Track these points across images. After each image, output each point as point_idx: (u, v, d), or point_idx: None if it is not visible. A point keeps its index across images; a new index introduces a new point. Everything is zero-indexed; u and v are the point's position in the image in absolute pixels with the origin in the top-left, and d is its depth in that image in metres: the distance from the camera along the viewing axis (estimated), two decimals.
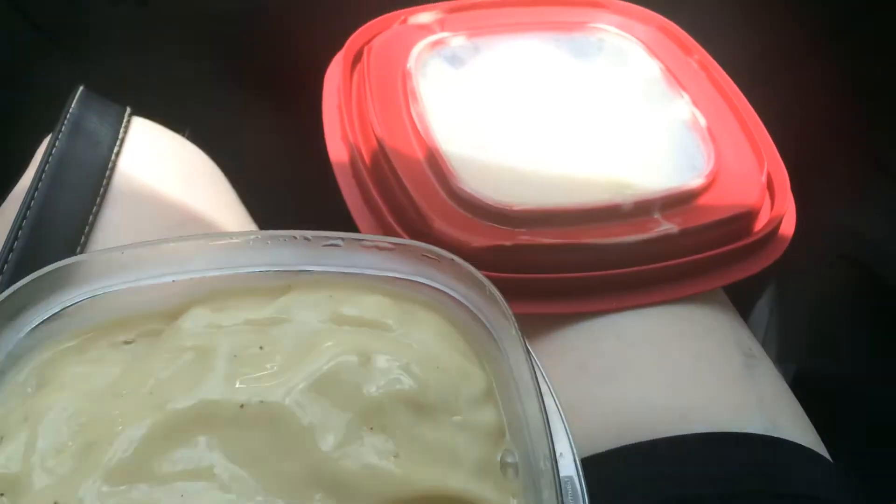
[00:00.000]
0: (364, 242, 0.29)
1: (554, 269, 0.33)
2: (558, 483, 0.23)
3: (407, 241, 0.28)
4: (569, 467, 0.25)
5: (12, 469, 0.23)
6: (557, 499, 0.23)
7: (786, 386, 0.34)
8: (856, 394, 0.68)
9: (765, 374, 0.33)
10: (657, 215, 0.36)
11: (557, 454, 0.24)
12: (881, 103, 0.64)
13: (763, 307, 0.75)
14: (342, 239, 0.29)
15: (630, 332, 0.33)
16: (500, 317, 0.27)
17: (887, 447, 0.63)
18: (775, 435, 0.30)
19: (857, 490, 0.31)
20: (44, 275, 0.26)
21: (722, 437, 0.30)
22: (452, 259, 0.28)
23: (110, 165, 0.39)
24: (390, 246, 0.29)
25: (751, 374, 0.33)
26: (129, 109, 0.42)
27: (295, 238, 0.29)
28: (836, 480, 0.31)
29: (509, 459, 0.26)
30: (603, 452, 0.29)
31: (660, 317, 0.33)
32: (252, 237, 0.29)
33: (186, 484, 0.23)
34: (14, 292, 0.26)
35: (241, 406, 0.24)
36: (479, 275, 0.27)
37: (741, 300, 0.39)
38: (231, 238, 0.28)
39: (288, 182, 0.54)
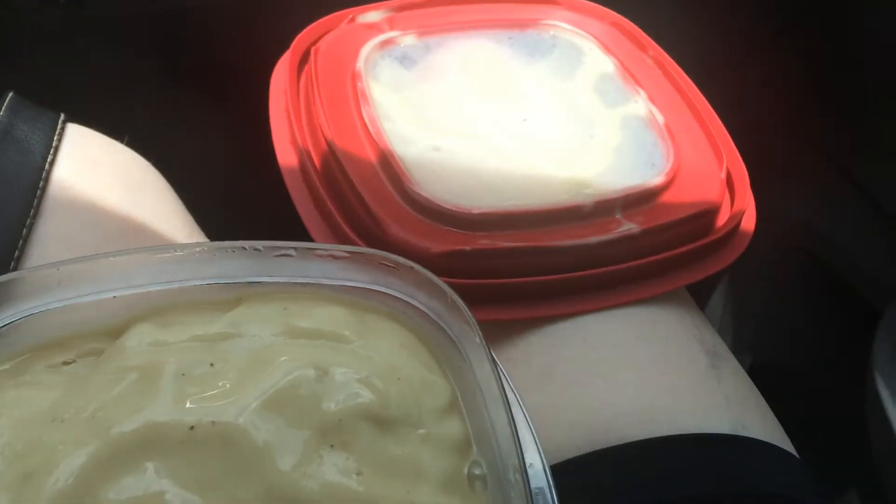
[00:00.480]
0: (318, 252, 0.28)
1: (515, 273, 0.33)
2: (529, 495, 0.23)
3: (363, 249, 0.28)
4: (539, 478, 0.24)
5: None
6: (530, 494, 0.23)
7: (751, 384, 0.34)
8: (807, 385, 0.69)
9: (730, 374, 0.33)
10: (619, 215, 0.36)
11: (527, 465, 0.24)
12: (829, 99, 0.65)
13: (717, 300, 0.76)
14: (295, 249, 0.28)
15: (595, 335, 0.33)
16: (463, 325, 0.27)
17: (838, 438, 0.65)
18: (743, 434, 0.30)
19: (825, 487, 0.31)
20: None
21: (690, 439, 0.29)
22: (411, 266, 0.27)
23: (44, 175, 0.37)
24: (345, 255, 0.28)
25: (716, 374, 0.33)
26: (62, 116, 0.41)
27: (244, 249, 0.28)
28: (804, 478, 0.31)
29: (477, 472, 0.26)
30: (572, 459, 0.29)
31: (624, 319, 0.33)
32: (198, 249, 0.28)
33: None
34: None
35: (192, 428, 0.23)
36: (439, 282, 0.27)
37: (695, 294, 0.39)
38: (175, 251, 0.27)
39: (235, 189, 0.53)
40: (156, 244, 0.38)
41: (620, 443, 0.29)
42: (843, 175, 0.64)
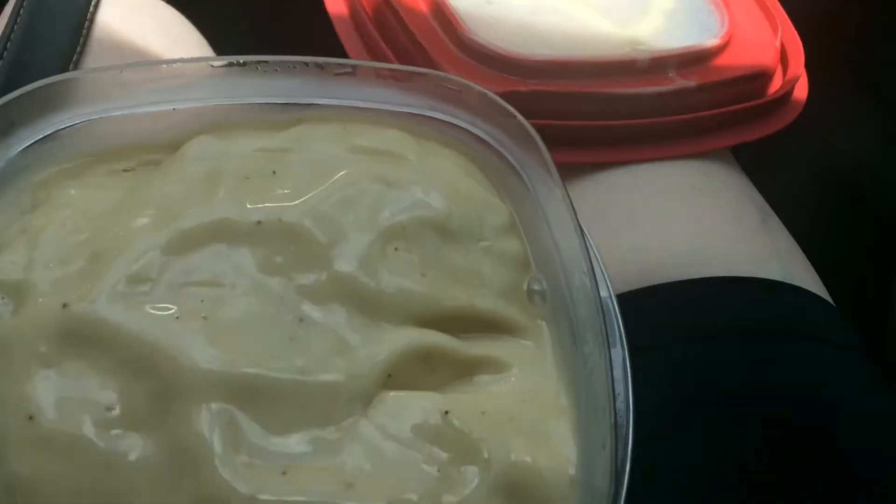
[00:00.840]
0: (380, 71, 0.28)
1: (570, 118, 0.33)
2: (598, 298, 0.23)
3: (426, 70, 0.27)
4: (603, 289, 0.24)
5: (14, 276, 0.22)
6: (598, 312, 0.23)
7: (797, 246, 0.34)
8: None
9: (780, 231, 0.33)
10: (672, 73, 0.35)
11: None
12: (866, 17, 0.63)
13: None
14: (355, 67, 0.28)
15: (648, 183, 0.32)
16: (526, 149, 0.26)
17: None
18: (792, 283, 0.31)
19: (862, 341, 0.31)
20: (36, 90, 0.25)
21: (744, 281, 0.30)
22: (475, 88, 0.27)
23: (89, 17, 0.37)
24: (407, 75, 0.27)
25: (767, 229, 0.33)
26: None
27: (306, 65, 0.27)
28: (849, 331, 0.31)
29: (536, 287, 0.26)
30: (624, 293, 0.29)
31: (677, 170, 0.33)
32: (259, 61, 0.27)
33: (205, 290, 0.22)
34: (3, 106, 0.24)
35: (258, 223, 0.23)
36: (504, 104, 0.27)
37: None
38: (238, 62, 0.27)
39: (277, 45, 0.52)
40: None
41: (674, 280, 0.29)
42: (881, 102, 0.63)
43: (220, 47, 0.42)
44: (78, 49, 0.35)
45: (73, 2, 0.37)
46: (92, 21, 0.37)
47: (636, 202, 0.32)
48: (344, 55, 0.37)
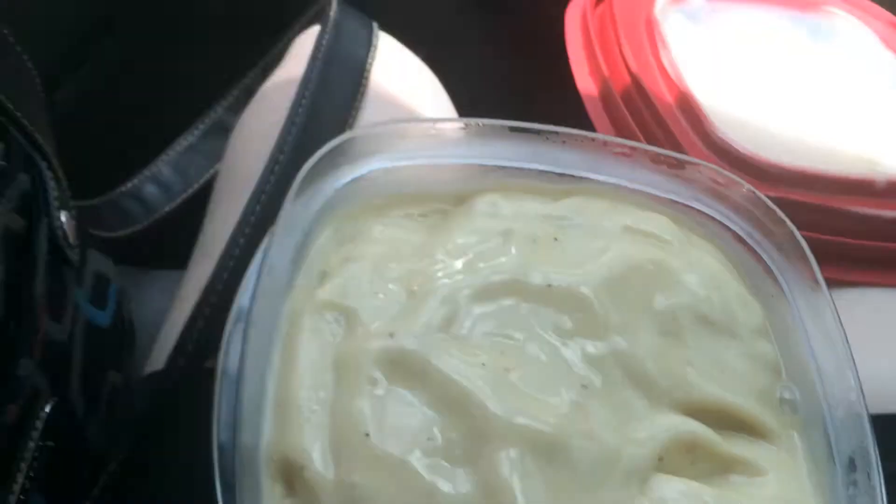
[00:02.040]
0: (656, 155, 0.27)
1: (804, 230, 0.31)
2: (867, 419, 0.22)
3: (699, 161, 0.27)
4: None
5: (345, 300, 0.23)
6: (868, 435, 0.21)
7: None
8: None
9: None
10: None
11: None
12: None
13: None
14: (634, 148, 0.27)
15: (887, 307, 0.30)
16: (788, 257, 0.26)
17: None
18: None
19: None
20: (354, 138, 0.26)
21: None
22: (744, 186, 0.26)
23: (367, 68, 0.38)
24: (681, 163, 0.27)
25: None
26: (375, 23, 0.42)
27: (592, 140, 0.27)
28: None
29: (787, 395, 0.24)
30: None
31: None
32: (544, 130, 0.27)
33: (504, 341, 0.22)
34: (335, 147, 0.25)
35: (549, 286, 0.23)
36: (775, 208, 0.26)
37: None
38: (532, 128, 0.27)
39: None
40: None
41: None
42: None
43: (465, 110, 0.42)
44: (357, 97, 0.37)
45: (356, 54, 0.38)
46: (369, 71, 0.38)
47: (872, 325, 0.30)
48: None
